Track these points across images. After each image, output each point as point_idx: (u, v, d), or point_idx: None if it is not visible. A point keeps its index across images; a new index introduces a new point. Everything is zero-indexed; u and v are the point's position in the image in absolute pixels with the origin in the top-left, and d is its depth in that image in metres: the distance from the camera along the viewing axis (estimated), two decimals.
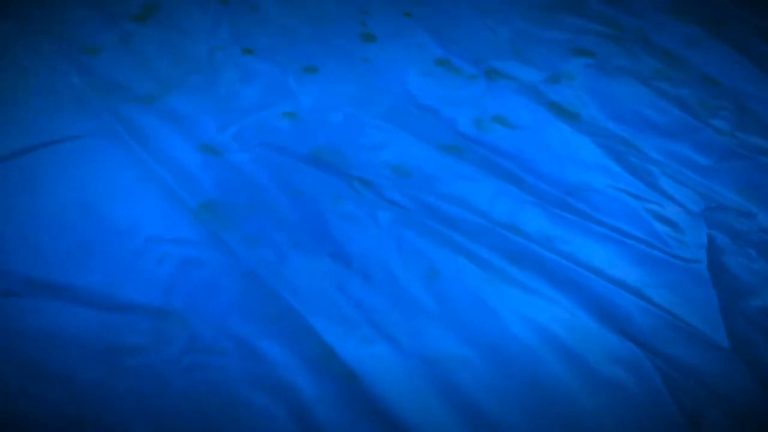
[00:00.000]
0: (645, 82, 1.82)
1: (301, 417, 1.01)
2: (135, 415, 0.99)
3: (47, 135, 1.36)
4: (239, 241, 1.23)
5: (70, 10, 1.74)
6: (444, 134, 1.56)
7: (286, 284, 1.17)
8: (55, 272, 1.13)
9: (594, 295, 1.25)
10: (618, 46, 1.96)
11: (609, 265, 1.30)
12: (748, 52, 1.99)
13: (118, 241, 1.20)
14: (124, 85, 1.53)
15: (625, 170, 1.52)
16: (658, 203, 1.45)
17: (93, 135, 1.38)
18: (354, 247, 1.26)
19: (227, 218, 1.27)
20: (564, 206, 1.42)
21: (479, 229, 1.33)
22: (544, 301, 1.23)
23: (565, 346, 1.16)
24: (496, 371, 1.11)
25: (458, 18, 1.99)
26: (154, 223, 1.24)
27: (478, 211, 1.37)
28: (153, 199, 1.28)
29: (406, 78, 1.72)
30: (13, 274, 1.12)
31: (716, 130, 1.68)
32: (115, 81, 1.53)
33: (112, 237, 1.20)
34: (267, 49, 1.73)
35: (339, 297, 1.17)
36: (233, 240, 1.23)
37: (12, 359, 1.02)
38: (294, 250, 1.24)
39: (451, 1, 2.07)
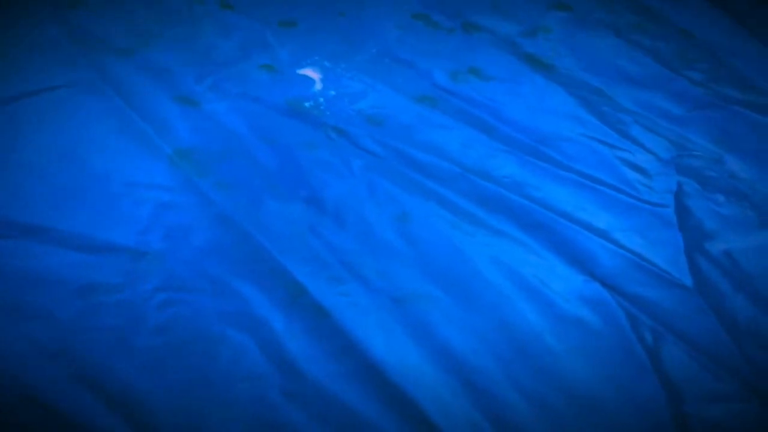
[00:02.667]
0: (621, 34, 1.83)
1: (272, 351, 1.05)
2: (113, 348, 1.03)
3: (28, 85, 1.39)
4: (214, 185, 1.26)
5: None
6: (420, 86, 1.58)
7: (260, 227, 1.20)
8: (36, 216, 1.17)
9: (561, 237, 1.28)
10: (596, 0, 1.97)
11: (577, 209, 1.33)
12: (724, 5, 2.00)
13: (96, 187, 1.24)
14: (103, 38, 1.55)
15: (598, 119, 1.55)
16: (628, 150, 1.47)
17: (73, 86, 1.41)
18: (327, 193, 1.30)
19: (202, 164, 1.30)
20: (535, 153, 1.44)
21: (450, 175, 1.36)
22: (512, 243, 1.26)
23: (532, 287, 1.19)
24: (465, 310, 1.14)
25: None
26: (132, 170, 1.27)
27: (450, 158, 1.40)
28: (130, 146, 1.31)
29: (383, 31, 1.74)
30: None
31: (691, 81, 1.70)
32: (95, 34, 1.56)
33: (91, 182, 1.24)
34: (245, 3, 1.74)
35: (311, 239, 1.21)
36: (208, 185, 1.26)
37: None
38: (268, 194, 1.27)
39: None
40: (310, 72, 1.56)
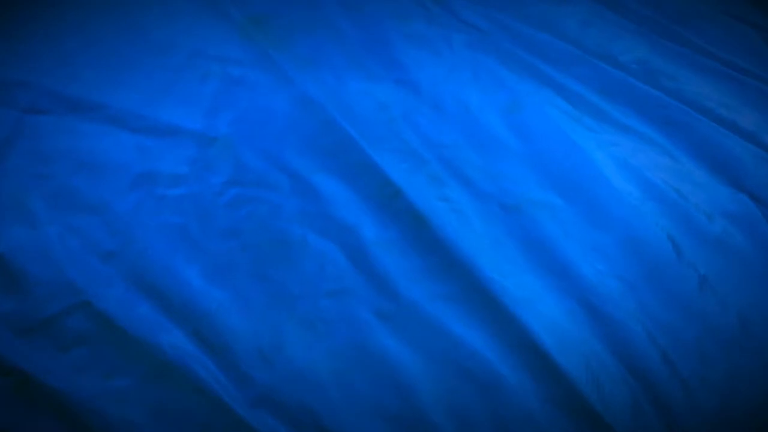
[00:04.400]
0: None
1: (362, 262, 0.90)
2: (176, 250, 0.89)
3: None
4: (292, 61, 1.08)
5: None
6: None
7: (346, 112, 1.02)
8: (87, 89, 1.01)
9: (701, 137, 1.09)
10: None
11: (719, 105, 1.14)
12: None
13: (157, 56, 1.06)
14: None
15: None
16: None
17: None
18: (423, 74, 1.11)
19: (279, 35, 1.11)
20: (669, 35, 1.23)
21: (569, 57, 1.17)
22: (642, 143, 1.08)
23: (667, 197, 1.02)
24: (587, 223, 0.98)
25: None
26: (197, 38, 1.09)
27: (568, 38, 1.20)
28: (195, 10, 1.13)
29: None
30: (40, 87, 1.00)
31: None
32: None
33: (150, 51, 1.07)
34: None
35: (405, 129, 1.03)
36: (286, 60, 1.08)
37: (41, 183, 0.92)
38: (355, 74, 1.09)
39: None
40: None
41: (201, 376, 0.80)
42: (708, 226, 0.99)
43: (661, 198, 1.01)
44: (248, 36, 1.10)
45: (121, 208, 0.91)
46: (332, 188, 0.96)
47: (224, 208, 0.92)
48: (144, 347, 0.80)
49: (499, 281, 0.89)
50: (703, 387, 0.85)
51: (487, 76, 1.12)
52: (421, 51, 1.14)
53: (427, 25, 1.17)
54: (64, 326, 0.81)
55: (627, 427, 0.81)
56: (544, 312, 0.89)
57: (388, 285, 0.88)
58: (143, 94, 1.01)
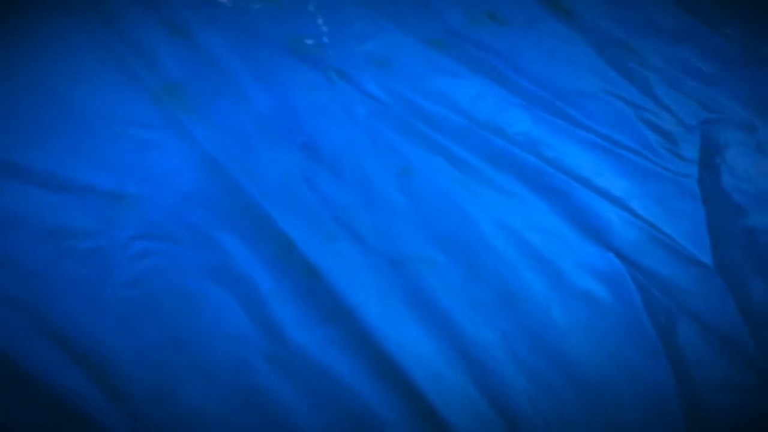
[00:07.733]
0: None
1: (256, 311, 0.97)
2: (81, 300, 0.94)
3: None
4: (201, 126, 1.15)
5: None
6: (432, 28, 1.46)
7: (249, 174, 1.10)
8: (2, 149, 1.07)
9: (575, 203, 1.18)
10: None
11: (594, 174, 1.23)
12: None
13: (72, 120, 1.13)
14: None
15: (621, 75, 1.43)
16: (652, 111, 1.36)
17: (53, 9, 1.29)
18: (325, 141, 1.19)
19: (191, 102, 1.18)
20: (552, 110, 1.33)
21: (459, 128, 1.25)
22: (520, 206, 1.16)
23: (540, 254, 1.10)
24: (466, 278, 1.06)
25: None
26: (112, 103, 1.16)
27: (459, 110, 1.29)
28: (111, 76, 1.19)
29: None
30: None
31: (726, 37, 1.57)
32: None
33: (65, 115, 1.13)
34: None
35: (305, 190, 1.11)
36: (195, 125, 1.15)
37: None
38: (260, 139, 1.16)
39: None
40: (312, 6, 1.43)
41: (97, 417, 0.85)
42: (576, 281, 1.08)
43: (535, 256, 1.09)
44: (161, 102, 1.17)
45: (31, 261, 0.96)
46: (232, 243, 1.02)
47: (128, 261, 0.98)
48: (45, 390, 0.86)
49: (382, 329, 0.96)
50: (560, 427, 0.94)
51: (383, 143, 1.20)
52: (324, 120, 1.22)
53: (330, 97, 1.25)
54: None
55: None
56: (423, 358, 0.96)
57: (279, 332, 0.95)
58: (57, 154, 1.07)
